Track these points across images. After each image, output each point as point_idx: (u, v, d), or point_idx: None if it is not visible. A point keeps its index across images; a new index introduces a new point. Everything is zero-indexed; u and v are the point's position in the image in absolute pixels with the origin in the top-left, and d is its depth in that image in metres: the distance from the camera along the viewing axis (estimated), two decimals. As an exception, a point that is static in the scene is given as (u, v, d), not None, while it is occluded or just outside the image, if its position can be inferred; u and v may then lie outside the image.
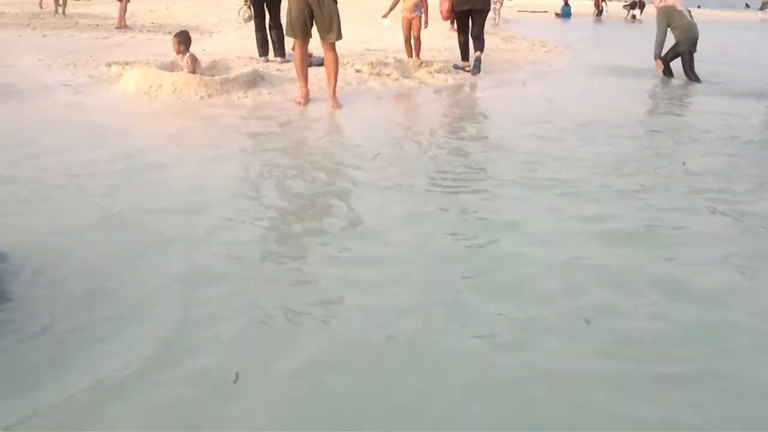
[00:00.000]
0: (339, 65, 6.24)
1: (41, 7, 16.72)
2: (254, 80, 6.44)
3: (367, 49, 9.68)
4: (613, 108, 6.36)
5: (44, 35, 10.88)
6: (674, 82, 8.36)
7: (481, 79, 7.94)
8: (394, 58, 8.21)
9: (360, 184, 3.79)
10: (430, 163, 4.31)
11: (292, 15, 5.80)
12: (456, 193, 3.72)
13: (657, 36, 8.55)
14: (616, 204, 3.54)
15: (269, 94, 6.28)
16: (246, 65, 7.14)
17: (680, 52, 8.49)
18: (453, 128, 5.45)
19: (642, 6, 27.13)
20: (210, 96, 5.97)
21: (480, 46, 8.16)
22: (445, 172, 4.09)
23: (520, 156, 4.42)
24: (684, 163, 4.39)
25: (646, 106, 7.13)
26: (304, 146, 4.78)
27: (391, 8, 8.57)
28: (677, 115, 6.45)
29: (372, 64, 7.67)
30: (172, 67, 6.59)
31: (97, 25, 13.01)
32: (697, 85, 8.04)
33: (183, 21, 14.47)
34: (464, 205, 3.50)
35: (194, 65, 6.38)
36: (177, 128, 5.09)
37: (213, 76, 6.46)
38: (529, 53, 11.15)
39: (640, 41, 12.71)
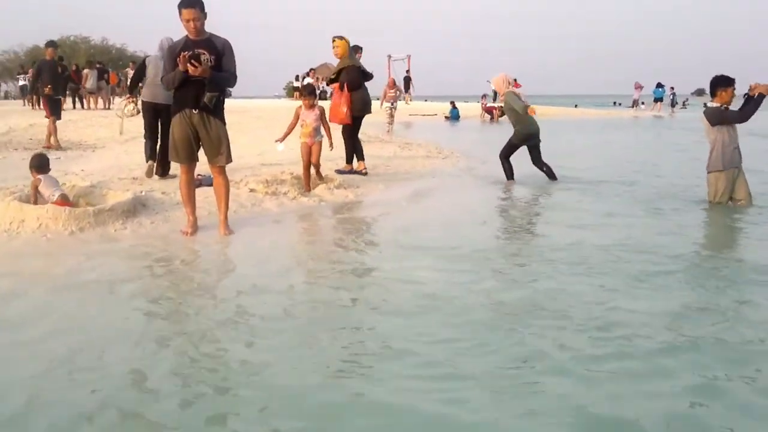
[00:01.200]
0: (231, 185, 5.80)
1: None
2: (134, 208, 5.81)
3: (262, 164, 9.29)
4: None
5: None
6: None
7: (380, 192, 7.70)
8: (291, 174, 7.85)
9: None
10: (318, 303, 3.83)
11: (175, 137, 5.32)
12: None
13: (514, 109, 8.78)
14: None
15: (151, 223, 5.66)
16: (128, 189, 6.50)
17: (512, 143, 8.80)
18: (346, 258, 5.00)
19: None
20: (82, 230, 5.27)
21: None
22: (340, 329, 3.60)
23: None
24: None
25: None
26: (187, 291, 4.15)
27: (287, 134, 7.75)
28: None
29: (267, 182, 7.26)
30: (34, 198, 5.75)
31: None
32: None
33: (65, 137, 13.62)
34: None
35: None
36: (33, 276, 4.32)
37: (87, 205, 5.79)
38: (426, 161, 11.14)
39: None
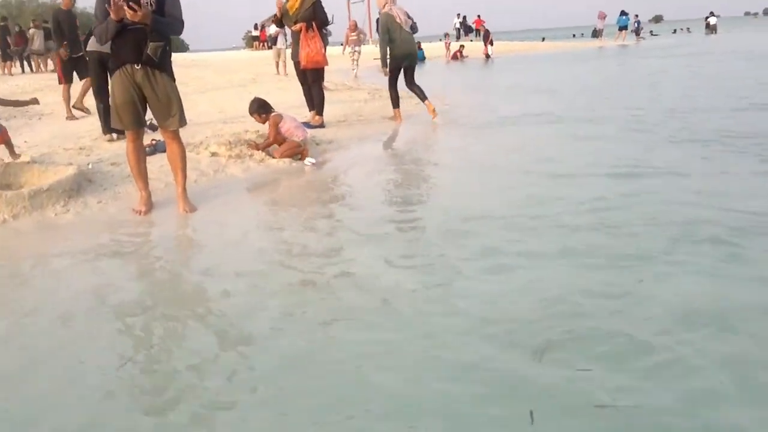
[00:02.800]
0: (190, 150, 5.06)
1: None
2: (78, 185, 5.03)
3: (224, 121, 8.46)
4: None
5: None
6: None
7: (355, 146, 7.01)
8: (257, 132, 7.06)
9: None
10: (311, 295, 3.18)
11: (116, 100, 4.53)
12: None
13: (379, 42, 8.69)
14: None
15: (99, 203, 4.90)
16: (71, 162, 5.69)
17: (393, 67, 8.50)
18: (324, 242, 4.36)
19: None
20: (15, 217, 4.50)
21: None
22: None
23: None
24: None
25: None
26: (137, 294, 3.47)
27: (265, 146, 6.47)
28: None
29: (230, 144, 6.47)
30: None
31: None
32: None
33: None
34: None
35: None
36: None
37: (22, 186, 5.00)
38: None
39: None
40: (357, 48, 18.08)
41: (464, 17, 41.26)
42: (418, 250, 3.70)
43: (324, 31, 8.33)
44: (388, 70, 8.47)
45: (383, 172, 5.94)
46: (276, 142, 6.40)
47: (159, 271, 3.66)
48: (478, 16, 40.35)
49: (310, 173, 6.00)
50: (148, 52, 4.37)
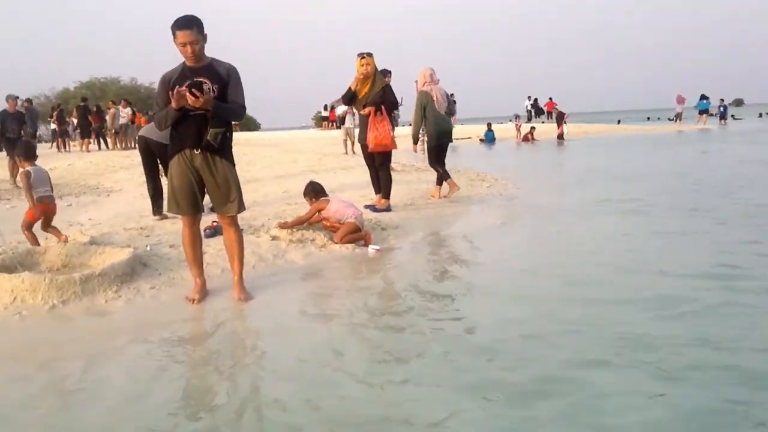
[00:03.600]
0: (250, 233, 4.81)
1: None
2: (132, 270, 4.83)
3: (288, 202, 8.29)
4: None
5: None
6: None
7: (422, 233, 6.64)
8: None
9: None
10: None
11: (173, 184, 4.35)
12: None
13: (413, 119, 8.65)
14: None
15: (152, 289, 4.67)
16: (128, 245, 5.54)
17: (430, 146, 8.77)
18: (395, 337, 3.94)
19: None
20: (65, 303, 4.29)
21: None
22: None
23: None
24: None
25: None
26: (188, 391, 3.14)
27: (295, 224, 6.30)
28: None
29: (292, 228, 6.23)
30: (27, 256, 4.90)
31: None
32: None
33: (83, 180, 12.94)
34: None
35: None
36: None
37: (75, 268, 4.84)
38: (470, 189, 10.05)
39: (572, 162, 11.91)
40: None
41: (535, 99, 41.23)
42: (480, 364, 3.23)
43: (393, 114, 8.20)
44: (419, 148, 9.03)
45: (451, 266, 5.53)
46: (310, 221, 6.22)
47: (205, 363, 3.32)
48: (550, 98, 40.17)
49: (374, 261, 5.65)
50: (208, 138, 4.21)
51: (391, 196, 7.90)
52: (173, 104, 4.03)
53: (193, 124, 4.19)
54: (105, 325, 4.03)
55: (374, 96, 7.54)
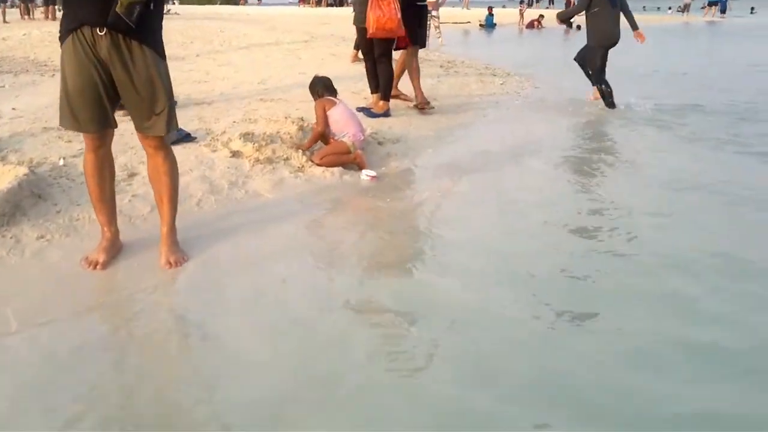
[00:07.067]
0: (203, 146, 3.25)
1: None
2: (16, 209, 3.27)
3: (262, 98, 6.59)
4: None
5: None
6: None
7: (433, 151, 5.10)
8: (301, 119, 5.13)
9: None
10: None
11: (67, 84, 2.73)
12: None
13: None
14: None
15: (39, 239, 3.11)
16: (31, 160, 3.95)
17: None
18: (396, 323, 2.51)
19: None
20: None
21: None
22: None
23: None
24: None
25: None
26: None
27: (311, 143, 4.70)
28: None
29: (262, 137, 4.61)
30: None
31: None
32: None
33: (32, 54, 10.89)
34: None
35: None
36: None
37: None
38: (481, 86, 8.38)
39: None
40: (435, 13, 14.76)
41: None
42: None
43: None
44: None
45: (477, 207, 4.05)
46: (321, 136, 4.59)
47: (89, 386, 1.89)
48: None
49: (368, 192, 4.15)
50: (116, 9, 2.55)
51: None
52: None
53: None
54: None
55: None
